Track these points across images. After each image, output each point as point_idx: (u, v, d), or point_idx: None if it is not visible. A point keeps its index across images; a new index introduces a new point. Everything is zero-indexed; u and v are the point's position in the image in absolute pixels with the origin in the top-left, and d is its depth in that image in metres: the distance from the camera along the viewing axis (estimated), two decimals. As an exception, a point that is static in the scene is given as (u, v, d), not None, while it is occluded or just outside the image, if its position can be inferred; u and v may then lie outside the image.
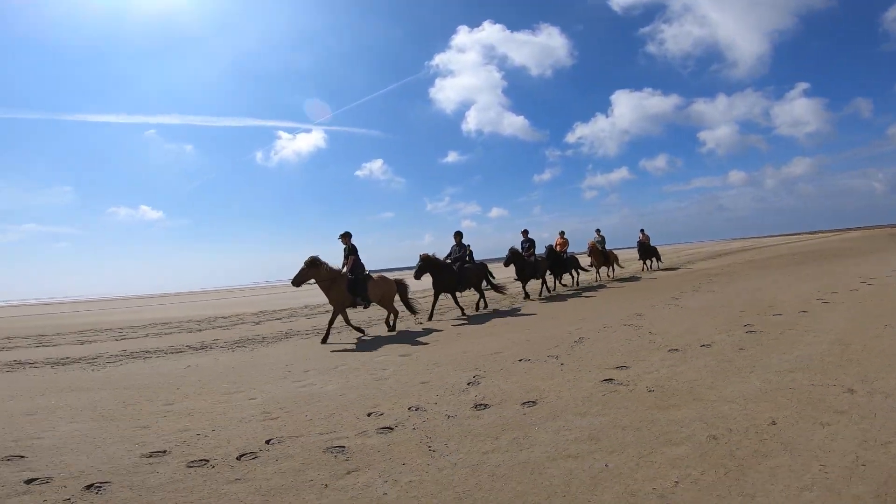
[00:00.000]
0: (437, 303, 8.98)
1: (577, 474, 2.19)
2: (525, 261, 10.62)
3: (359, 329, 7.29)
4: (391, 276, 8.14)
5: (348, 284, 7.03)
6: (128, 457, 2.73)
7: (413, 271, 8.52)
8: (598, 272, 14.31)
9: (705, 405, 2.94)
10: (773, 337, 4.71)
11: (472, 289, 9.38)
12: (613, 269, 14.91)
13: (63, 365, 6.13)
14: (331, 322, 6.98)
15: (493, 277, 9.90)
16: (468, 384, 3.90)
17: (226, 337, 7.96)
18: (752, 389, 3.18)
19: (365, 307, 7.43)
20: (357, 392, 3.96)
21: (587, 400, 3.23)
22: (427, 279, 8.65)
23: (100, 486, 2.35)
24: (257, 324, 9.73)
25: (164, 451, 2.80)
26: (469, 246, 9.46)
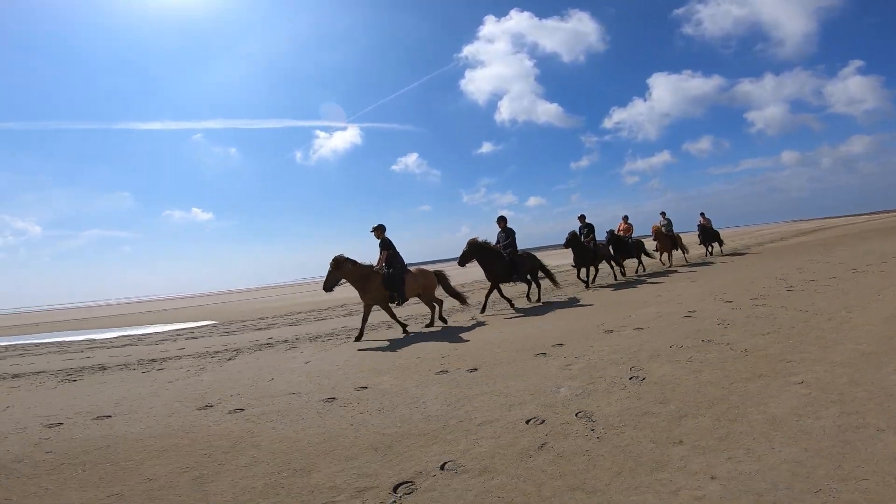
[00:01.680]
0: (490, 294, 8.58)
1: (875, 307, 6.77)
2: (584, 246, 10.44)
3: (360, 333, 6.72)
4: (430, 268, 7.86)
5: (384, 279, 6.84)
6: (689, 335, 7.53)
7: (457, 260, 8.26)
8: (661, 257, 14.03)
9: (915, 272, 7.42)
10: (917, 261, 9.06)
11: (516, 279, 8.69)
12: (684, 253, 14.82)
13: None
14: (392, 315, 6.93)
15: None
16: (753, 307, 8.45)
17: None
18: (929, 269, 7.64)
19: (399, 304, 7.08)
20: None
21: (855, 275, 7.74)
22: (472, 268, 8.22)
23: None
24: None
25: (703, 326, 7.59)
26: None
